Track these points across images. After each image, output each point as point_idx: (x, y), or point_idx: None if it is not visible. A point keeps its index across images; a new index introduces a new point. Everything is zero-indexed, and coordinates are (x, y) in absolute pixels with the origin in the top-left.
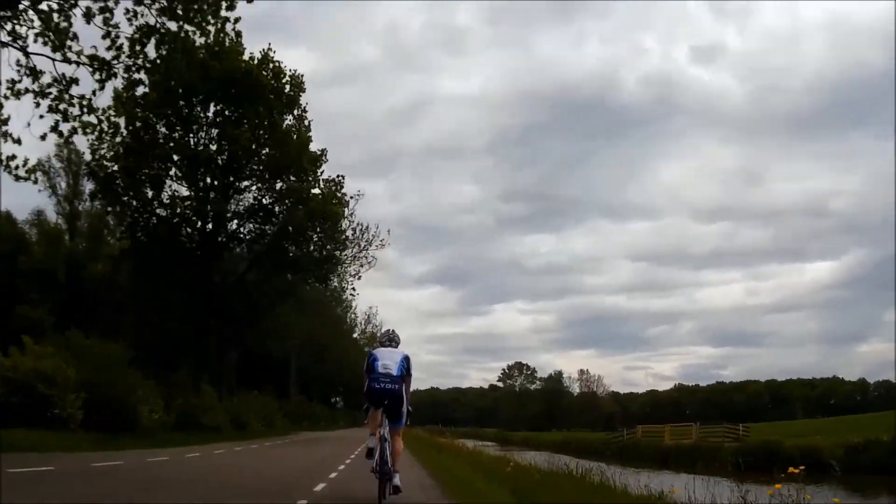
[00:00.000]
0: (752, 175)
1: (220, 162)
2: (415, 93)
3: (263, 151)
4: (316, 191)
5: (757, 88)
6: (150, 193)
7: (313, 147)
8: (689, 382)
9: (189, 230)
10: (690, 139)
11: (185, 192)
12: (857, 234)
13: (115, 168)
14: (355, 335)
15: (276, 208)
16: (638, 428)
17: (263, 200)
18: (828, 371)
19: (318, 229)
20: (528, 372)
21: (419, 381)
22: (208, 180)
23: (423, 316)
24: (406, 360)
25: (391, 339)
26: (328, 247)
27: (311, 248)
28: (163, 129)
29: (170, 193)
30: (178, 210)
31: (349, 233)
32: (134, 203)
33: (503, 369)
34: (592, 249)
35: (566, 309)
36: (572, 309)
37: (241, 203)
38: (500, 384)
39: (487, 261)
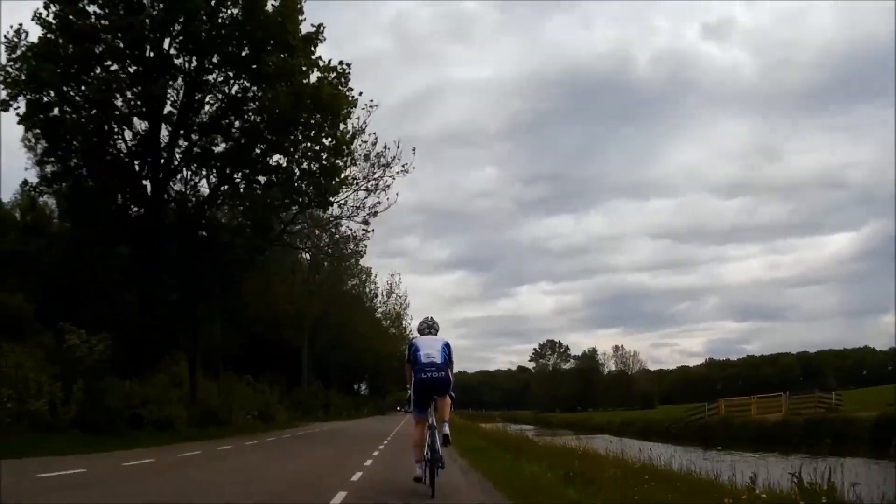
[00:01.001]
0: (767, 150)
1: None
2: (427, 81)
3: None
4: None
5: (768, 63)
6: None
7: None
8: (717, 357)
9: (124, 135)
10: (705, 116)
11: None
12: (874, 205)
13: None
14: (378, 313)
15: (250, 94)
16: (720, 402)
17: (232, 90)
18: (851, 342)
19: (312, 121)
20: (561, 350)
21: None
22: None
23: (446, 301)
24: (447, 346)
25: (430, 327)
26: (326, 154)
27: (302, 156)
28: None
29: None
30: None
31: (357, 146)
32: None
33: (534, 348)
34: (612, 229)
35: (590, 289)
36: (596, 288)
37: (203, 111)
38: (532, 364)
39: (508, 244)
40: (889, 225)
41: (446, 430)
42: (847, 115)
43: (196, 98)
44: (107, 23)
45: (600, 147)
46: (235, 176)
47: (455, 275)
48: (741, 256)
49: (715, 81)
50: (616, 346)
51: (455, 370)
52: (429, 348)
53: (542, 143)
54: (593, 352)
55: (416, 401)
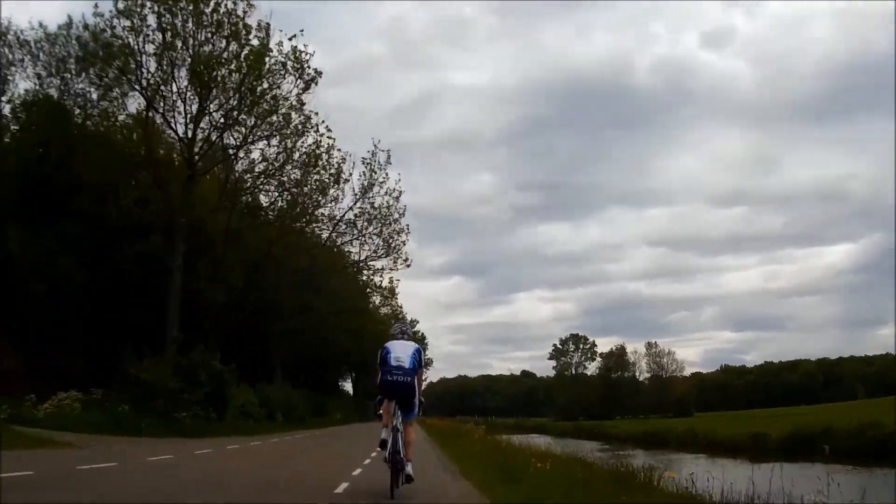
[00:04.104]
0: (766, 160)
1: None
2: (424, 86)
3: None
4: None
5: (767, 73)
6: None
7: None
8: (711, 369)
9: None
10: (703, 125)
11: None
12: (872, 218)
13: None
14: (371, 301)
15: None
16: None
17: None
18: (847, 354)
19: None
20: (586, 346)
21: (444, 371)
22: None
23: (443, 307)
24: (418, 352)
25: (403, 332)
26: None
27: None
28: None
29: None
30: None
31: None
32: None
33: (555, 344)
34: (609, 237)
35: (587, 296)
36: (593, 296)
37: None
38: (552, 363)
39: (505, 250)
40: (886, 238)
41: (409, 469)
42: (846, 127)
43: None
44: None
45: (598, 155)
46: None
47: (451, 280)
48: (739, 266)
49: (713, 90)
50: (649, 344)
51: (454, 374)
52: (399, 352)
53: (540, 150)
54: (622, 349)
55: (381, 401)
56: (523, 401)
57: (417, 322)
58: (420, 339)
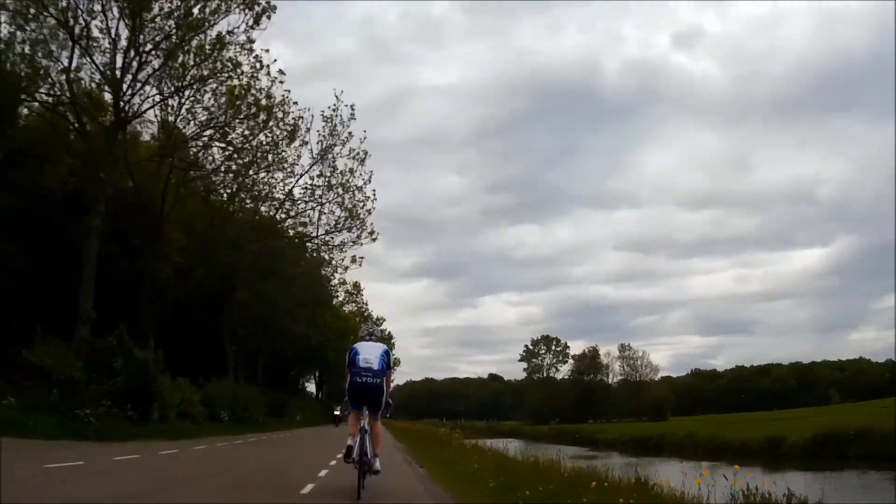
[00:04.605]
0: (737, 162)
1: None
2: (393, 85)
3: None
4: None
5: (739, 74)
6: None
7: None
8: (679, 373)
9: None
10: (674, 126)
11: None
12: (844, 222)
13: None
14: (336, 297)
15: None
16: None
17: None
18: (817, 358)
19: None
20: (558, 348)
21: (412, 374)
22: None
23: (412, 309)
24: (386, 353)
25: (371, 334)
26: None
27: None
28: None
29: None
30: None
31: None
32: None
33: (526, 346)
34: (578, 239)
35: (554, 300)
36: (560, 299)
37: None
38: (523, 364)
39: (474, 252)
40: (858, 241)
41: (377, 465)
42: (820, 129)
43: None
44: None
45: (567, 155)
46: None
47: (421, 283)
48: (708, 270)
49: (684, 91)
50: (622, 346)
51: (422, 377)
52: (368, 353)
53: (510, 150)
54: (594, 351)
55: (351, 403)
56: (492, 404)
57: (383, 320)
58: (387, 339)
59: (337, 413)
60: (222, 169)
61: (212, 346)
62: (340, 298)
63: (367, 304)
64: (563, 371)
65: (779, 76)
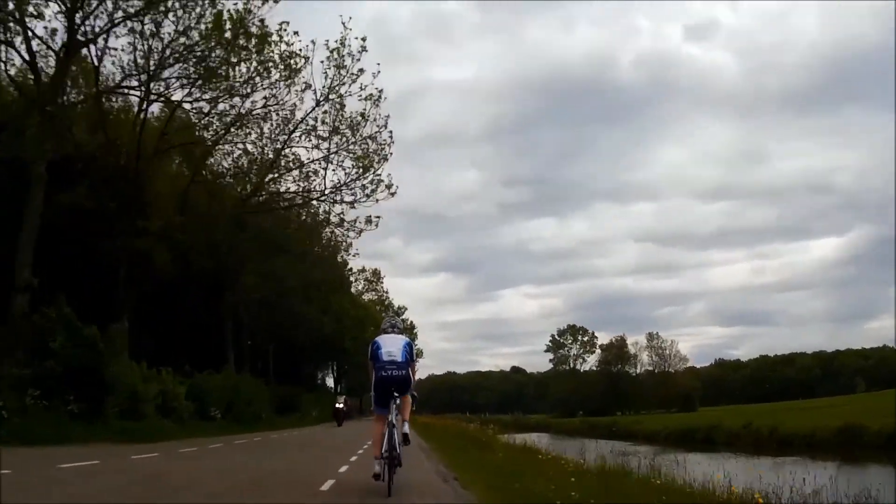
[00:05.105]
0: (752, 153)
1: None
2: (407, 82)
3: None
4: None
5: (752, 65)
6: None
7: None
8: (701, 364)
9: None
10: (688, 118)
11: None
12: (860, 211)
13: None
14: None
15: None
16: None
17: None
18: (834, 348)
19: None
20: (585, 338)
21: (433, 368)
22: None
23: (431, 303)
24: (409, 345)
25: (393, 326)
26: None
27: None
28: None
29: None
30: None
31: None
32: None
33: (552, 336)
34: (596, 232)
35: (574, 292)
36: (580, 292)
37: None
38: (549, 356)
39: (492, 247)
40: (875, 230)
41: (406, 428)
42: (833, 119)
43: None
44: None
45: (583, 150)
46: None
47: (438, 277)
48: (726, 261)
49: (698, 84)
50: (650, 335)
51: (443, 371)
52: (391, 346)
53: (525, 145)
54: (622, 341)
55: (377, 398)
56: (514, 397)
57: (405, 309)
58: (409, 329)
59: (340, 406)
60: (205, 108)
61: (211, 333)
62: (360, 287)
63: (387, 293)
64: (591, 362)
65: (791, 67)
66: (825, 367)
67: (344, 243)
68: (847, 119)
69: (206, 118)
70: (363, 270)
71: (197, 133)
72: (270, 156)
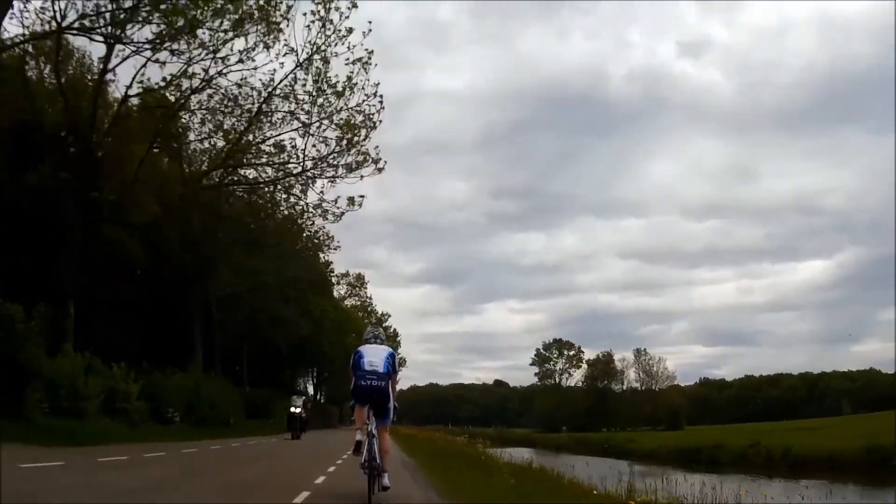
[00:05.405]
0: (743, 172)
1: None
2: (399, 89)
3: None
4: None
5: (746, 83)
6: None
7: None
8: (685, 383)
9: None
10: (680, 135)
11: None
12: (850, 233)
13: None
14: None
15: None
16: None
17: None
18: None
19: None
20: (572, 353)
21: (415, 379)
22: None
23: (416, 315)
24: (391, 356)
25: (376, 336)
26: None
27: None
28: None
29: None
30: None
31: None
32: None
33: (537, 349)
34: (583, 247)
35: (558, 307)
36: (564, 307)
37: None
38: (535, 369)
39: (479, 259)
40: (864, 252)
41: (386, 481)
42: (825, 140)
43: None
44: None
45: (573, 163)
46: None
47: (424, 288)
48: (713, 280)
49: (690, 100)
50: (638, 350)
51: (426, 382)
52: (373, 356)
53: (515, 156)
54: (608, 357)
55: (356, 405)
56: (497, 410)
57: (389, 316)
58: (392, 336)
59: (297, 411)
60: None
61: (179, 330)
62: (343, 292)
63: (370, 299)
64: (576, 377)
65: (785, 86)
66: (811, 388)
67: (324, 237)
68: (839, 140)
69: (175, 80)
70: (346, 275)
71: (161, 94)
72: (244, 125)
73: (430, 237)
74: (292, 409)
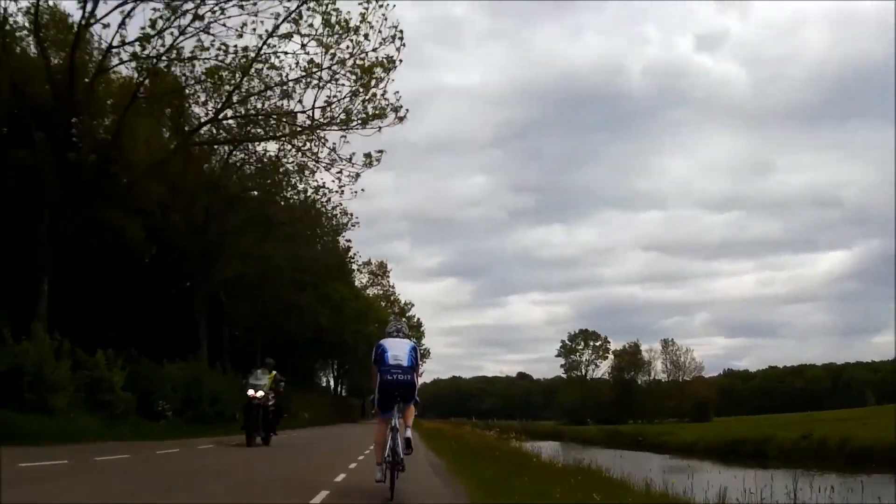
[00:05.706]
0: (760, 164)
1: None
2: (414, 87)
3: None
4: None
5: (762, 77)
6: None
7: None
8: (707, 374)
9: None
10: (697, 128)
11: None
12: (867, 225)
13: None
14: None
15: None
16: None
17: None
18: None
19: None
20: (598, 343)
21: (438, 372)
22: None
23: (438, 308)
24: (414, 350)
25: (399, 330)
26: None
27: None
28: None
29: None
30: None
31: None
32: None
33: (563, 341)
34: (603, 240)
35: (580, 300)
36: (586, 300)
37: None
38: (561, 360)
39: (499, 252)
40: (882, 244)
41: (409, 433)
42: (841, 133)
43: None
44: None
45: (591, 157)
46: None
47: (445, 282)
48: (733, 272)
49: (707, 94)
50: (665, 341)
51: (449, 376)
52: (396, 350)
53: (533, 152)
54: (636, 347)
55: (380, 401)
56: (520, 403)
57: (412, 305)
58: (416, 327)
59: (258, 395)
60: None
61: (184, 321)
62: (364, 280)
63: (393, 288)
64: (603, 368)
65: (801, 79)
66: (834, 379)
67: (342, 214)
68: (855, 133)
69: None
70: (368, 263)
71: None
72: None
73: (450, 232)
74: (250, 393)
